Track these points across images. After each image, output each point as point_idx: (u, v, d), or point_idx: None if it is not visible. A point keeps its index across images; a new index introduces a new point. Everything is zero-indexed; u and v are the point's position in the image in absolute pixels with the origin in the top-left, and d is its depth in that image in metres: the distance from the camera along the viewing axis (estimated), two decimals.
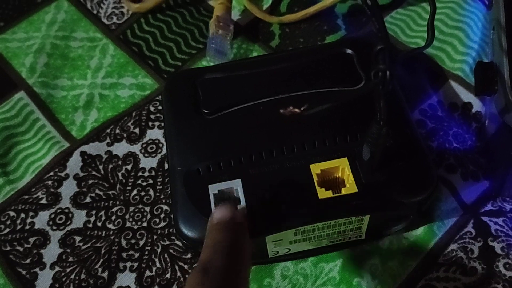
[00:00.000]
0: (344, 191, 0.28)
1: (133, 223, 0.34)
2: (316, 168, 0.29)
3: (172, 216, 0.33)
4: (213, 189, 0.28)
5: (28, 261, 0.33)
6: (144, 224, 0.34)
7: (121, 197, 0.35)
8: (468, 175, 0.34)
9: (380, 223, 0.31)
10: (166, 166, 0.36)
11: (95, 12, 0.44)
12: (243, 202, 0.28)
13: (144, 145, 0.37)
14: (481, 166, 0.34)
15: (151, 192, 0.35)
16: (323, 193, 0.28)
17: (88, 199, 0.35)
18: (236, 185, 0.28)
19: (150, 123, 0.38)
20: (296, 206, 0.28)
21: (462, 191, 0.33)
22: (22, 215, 0.35)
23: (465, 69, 0.38)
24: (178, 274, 0.32)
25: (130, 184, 0.35)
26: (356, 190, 0.28)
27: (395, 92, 0.33)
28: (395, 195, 0.28)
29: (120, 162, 0.36)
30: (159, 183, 0.35)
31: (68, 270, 0.33)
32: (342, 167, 0.29)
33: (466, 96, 0.37)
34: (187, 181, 0.30)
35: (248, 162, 0.30)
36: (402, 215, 0.31)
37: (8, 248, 0.34)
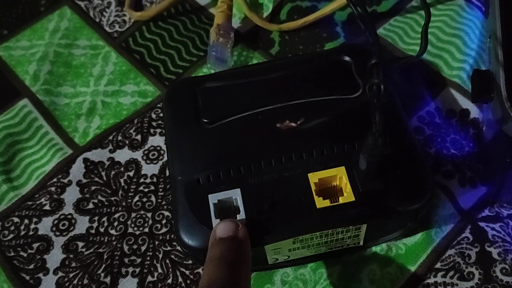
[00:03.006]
0: (341, 200, 0.28)
1: (135, 228, 0.35)
2: (314, 177, 0.29)
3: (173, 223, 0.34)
4: (213, 199, 0.29)
5: (31, 266, 0.34)
6: (146, 230, 0.34)
7: (123, 203, 0.35)
8: (466, 181, 0.34)
9: (377, 231, 0.31)
10: (168, 172, 0.36)
11: (97, 20, 0.45)
12: (242, 212, 0.28)
13: (146, 152, 0.38)
14: (479, 172, 0.35)
15: (153, 198, 0.36)
16: (321, 202, 0.28)
17: (90, 205, 0.36)
18: (235, 195, 0.29)
19: (152, 130, 0.38)
20: (294, 215, 0.29)
21: (460, 197, 0.34)
22: (26, 221, 0.35)
23: (462, 76, 0.38)
24: (180, 279, 0.32)
25: (132, 190, 0.36)
26: (353, 199, 0.28)
27: (392, 100, 0.33)
28: (392, 204, 0.29)
29: (122, 169, 0.37)
30: (160, 189, 0.36)
31: (71, 275, 0.33)
32: (339, 176, 0.29)
33: (463, 102, 0.37)
34: (188, 191, 0.30)
35: (247, 172, 0.30)
36: (400, 223, 0.31)
37: (12, 253, 0.34)
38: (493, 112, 0.33)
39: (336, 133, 0.31)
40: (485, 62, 0.38)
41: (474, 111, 0.37)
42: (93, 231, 0.35)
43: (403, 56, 0.40)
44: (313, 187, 0.29)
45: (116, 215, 0.35)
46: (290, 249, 0.30)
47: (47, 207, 0.36)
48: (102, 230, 0.35)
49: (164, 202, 0.35)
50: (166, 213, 0.35)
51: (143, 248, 0.34)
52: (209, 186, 0.30)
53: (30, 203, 0.36)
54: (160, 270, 0.33)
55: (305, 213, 0.28)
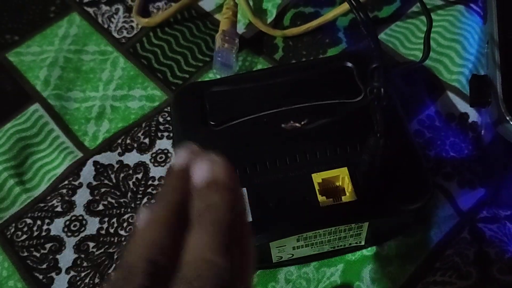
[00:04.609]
0: (344, 199, 0.30)
1: None
2: (317, 177, 0.30)
3: None
4: None
5: (44, 266, 0.35)
6: None
7: (132, 205, 0.37)
8: (465, 183, 0.35)
9: (379, 230, 0.32)
10: None
11: (106, 26, 0.46)
12: (248, 210, 0.29)
13: (153, 155, 0.39)
14: (478, 174, 0.35)
15: None
16: (324, 201, 0.30)
17: (101, 207, 0.37)
18: None
19: (159, 134, 0.40)
20: (299, 213, 0.30)
21: (459, 198, 0.35)
22: (39, 222, 0.36)
23: (461, 80, 0.39)
24: None
25: (140, 192, 0.37)
26: (355, 198, 0.30)
27: (393, 103, 0.34)
28: (393, 203, 0.30)
29: (131, 171, 0.38)
30: None
31: (82, 274, 0.34)
32: (342, 176, 0.30)
33: (462, 106, 0.38)
34: None
35: (253, 172, 0.31)
36: (400, 222, 0.32)
37: (26, 253, 0.35)
38: (490, 115, 0.34)
39: (339, 135, 0.32)
40: (483, 67, 0.39)
41: (473, 115, 0.38)
42: (103, 232, 0.36)
43: (404, 61, 0.41)
44: (316, 187, 0.30)
45: (125, 216, 0.36)
46: (294, 247, 0.31)
47: (58, 209, 0.37)
48: (112, 231, 0.36)
49: None
50: None
51: None
52: None
53: (42, 204, 0.37)
54: None
55: (309, 211, 0.29)
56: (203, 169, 0.20)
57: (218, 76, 0.42)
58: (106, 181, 0.38)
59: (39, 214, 0.37)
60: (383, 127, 0.27)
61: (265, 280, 0.33)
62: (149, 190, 0.37)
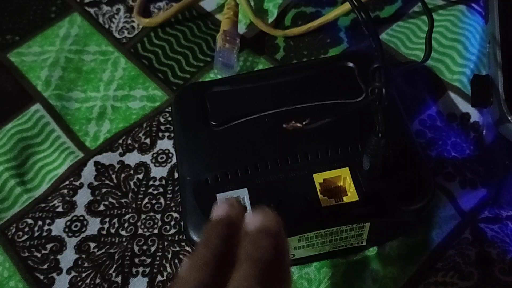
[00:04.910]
0: (345, 199, 0.30)
1: (145, 230, 0.36)
2: (319, 177, 0.30)
3: (182, 223, 0.35)
4: (221, 198, 0.30)
5: (45, 266, 0.35)
6: (155, 231, 0.35)
7: (133, 205, 0.37)
8: (466, 183, 0.35)
9: (380, 230, 0.32)
10: (176, 175, 0.37)
11: (107, 26, 0.46)
12: (249, 210, 0.29)
13: (154, 155, 0.39)
14: (479, 174, 0.35)
15: (162, 200, 0.37)
16: (325, 201, 0.30)
17: (102, 207, 0.37)
18: (242, 194, 0.30)
19: (160, 134, 0.40)
20: (300, 213, 0.30)
21: (460, 199, 0.35)
22: (40, 222, 0.36)
23: (463, 80, 0.39)
24: None
25: (141, 192, 0.37)
26: (357, 198, 0.29)
27: (394, 103, 0.34)
28: (394, 203, 0.30)
29: (132, 172, 0.38)
30: (169, 192, 0.37)
31: (83, 275, 0.34)
32: (343, 176, 0.30)
33: (464, 106, 0.38)
34: (196, 190, 0.31)
35: (254, 172, 0.31)
36: (402, 222, 0.32)
37: (27, 254, 0.35)
38: (492, 115, 0.34)
39: (340, 135, 0.32)
40: (485, 67, 0.39)
41: (475, 115, 0.38)
42: (104, 232, 0.36)
43: (405, 61, 0.41)
44: (318, 187, 0.30)
45: (126, 217, 0.36)
46: (295, 247, 0.31)
47: (59, 209, 0.37)
48: (113, 231, 0.36)
49: (172, 204, 0.36)
50: (175, 215, 0.36)
51: (152, 249, 0.35)
52: (217, 186, 0.31)
53: (43, 205, 0.37)
54: (169, 270, 0.34)
55: (310, 211, 0.29)
56: (256, 218, 0.24)
57: (219, 76, 0.42)
58: (107, 181, 0.38)
59: (40, 214, 0.37)
60: (384, 127, 0.27)
61: None
62: (150, 190, 0.37)
